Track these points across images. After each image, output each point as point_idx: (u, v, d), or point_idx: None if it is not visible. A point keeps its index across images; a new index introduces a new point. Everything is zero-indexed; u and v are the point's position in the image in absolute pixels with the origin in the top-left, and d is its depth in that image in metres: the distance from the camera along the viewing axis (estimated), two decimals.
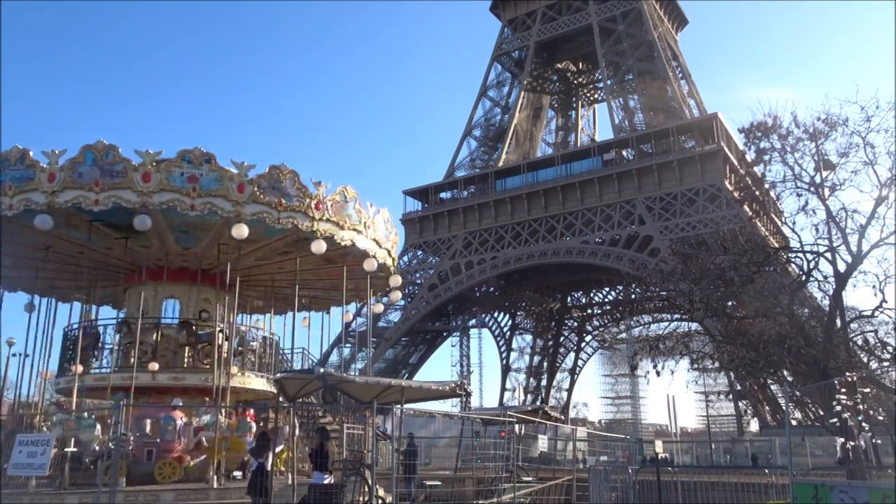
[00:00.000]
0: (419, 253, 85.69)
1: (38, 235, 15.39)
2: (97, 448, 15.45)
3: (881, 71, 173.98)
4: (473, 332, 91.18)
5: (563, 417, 43.94)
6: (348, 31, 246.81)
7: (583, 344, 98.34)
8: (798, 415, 47.12)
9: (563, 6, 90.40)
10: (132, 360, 17.00)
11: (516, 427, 19.87)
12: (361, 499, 13.67)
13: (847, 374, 14.02)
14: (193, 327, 18.05)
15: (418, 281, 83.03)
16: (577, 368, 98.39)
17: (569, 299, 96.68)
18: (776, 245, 21.70)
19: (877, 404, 13.92)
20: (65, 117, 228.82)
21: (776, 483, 17.39)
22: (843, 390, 11.95)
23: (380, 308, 24.69)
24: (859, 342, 17.65)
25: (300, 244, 16.53)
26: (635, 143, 75.64)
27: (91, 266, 18.22)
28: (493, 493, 16.78)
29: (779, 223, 22.19)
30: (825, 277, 17.65)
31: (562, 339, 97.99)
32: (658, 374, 20.23)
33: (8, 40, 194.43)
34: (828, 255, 17.06)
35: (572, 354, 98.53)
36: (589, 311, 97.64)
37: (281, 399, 16.16)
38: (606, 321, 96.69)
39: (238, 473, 16.21)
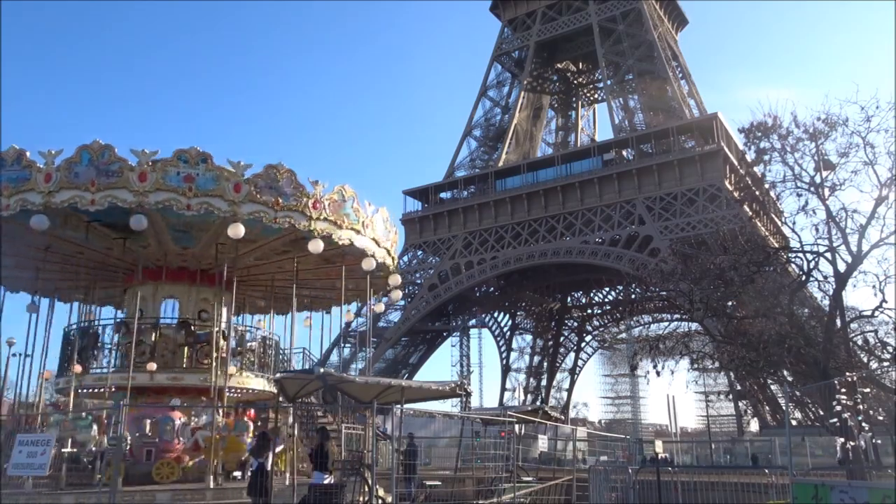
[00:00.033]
0: (419, 253, 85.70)
1: (37, 236, 15.38)
2: (93, 448, 15.45)
3: (881, 71, 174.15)
4: (473, 332, 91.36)
5: (563, 417, 43.94)
6: (348, 31, 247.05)
7: (583, 344, 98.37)
8: (798, 415, 47.12)
9: (563, 6, 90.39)
10: (131, 360, 17.00)
11: (516, 427, 19.87)
12: (361, 499, 13.67)
13: (847, 374, 14.00)
14: (192, 327, 18.06)
15: (418, 281, 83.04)
16: (577, 368, 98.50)
17: (569, 299, 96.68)
18: (776, 245, 21.68)
19: (877, 404, 13.91)
20: (65, 117, 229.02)
21: (776, 483, 17.37)
22: (843, 390, 11.93)
23: (381, 307, 24.65)
24: (859, 342, 17.63)
25: (298, 243, 16.51)
26: (635, 143, 75.63)
27: (91, 266, 18.24)
28: (493, 493, 16.78)
29: (779, 223, 22.18)
30: (825, 277, 17.64)
31: (562, 339, 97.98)
32: (658, 374, 20.22)
33: (8, 40, 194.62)
34: (828, 255, 17.05)
35: (572, 354, 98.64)
36: (589, 311, 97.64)
37: (281, 399, 16.16)
38: (606, 321, 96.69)
39: (238, 473, 16.21)
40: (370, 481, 13.22)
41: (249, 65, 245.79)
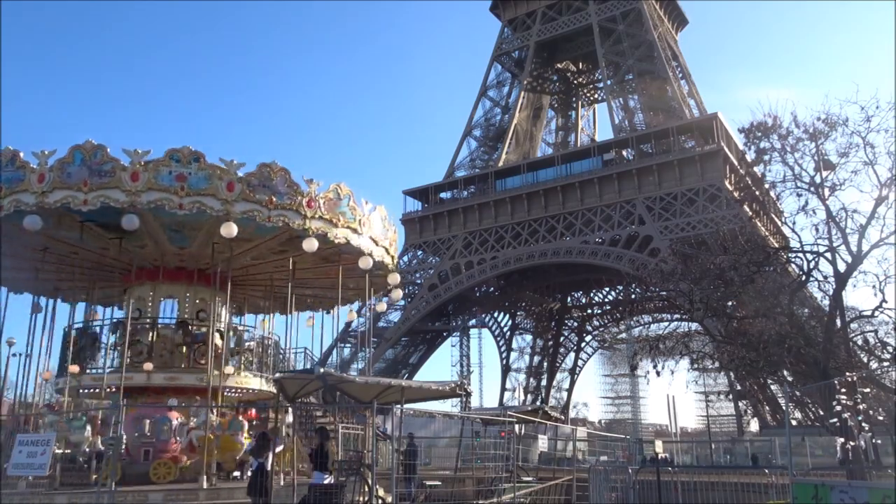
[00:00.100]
0: (419, 253, 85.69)
1: (34, 236, 15.37)
2: (87, 449, 15.42)
3: (881, 71, 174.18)
4: (473, 332, 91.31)
5: (563, 417, 43.93)
6: (348, 31, 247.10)
7: (583, 344, 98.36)
8: (798, 415, 47.12)
9: (563, 6, 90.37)
10: (128, 360, 17.00)
11: (516, 427, 19.85)
12: (361, 499, 13.65)
13: (847, 374, 13.99)
14: (189, 327, 18.03)
15: (418, 281, 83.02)
16: (577, 368, 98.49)
17: (569, 299, 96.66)
18: (776, 245, 21.67)
19: (877, 404, 13.88)
20: (65, 117, 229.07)
21: (776, 483, 17.36)
22: (843, 390, 11.92)
23: (383, 307, 24.60)
24: (859, 342, 17.62)
25: (294, 242, 16.44)
26: (635, 143, 75.61)
27: (89, 267, 18.22)
28: (493, 493, 16.76)
29: (779, 223, 22.17)
30: (825, 277, 17.62)
31: (562, 339, 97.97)
32: (658, 374, 20.21)
33: (8, 40, 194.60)
34: (828, 255, 17.03)
35: (572, 354, 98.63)
36: (589, 311, 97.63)
37: (281, 399, 16.14)
38: (606, 321, 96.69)
39: (237, 473, 16.19)
40: (370, 481, 13.21)
41: (249, 65, 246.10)
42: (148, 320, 18.18)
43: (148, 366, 16.83)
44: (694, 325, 22.36)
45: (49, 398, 22.37)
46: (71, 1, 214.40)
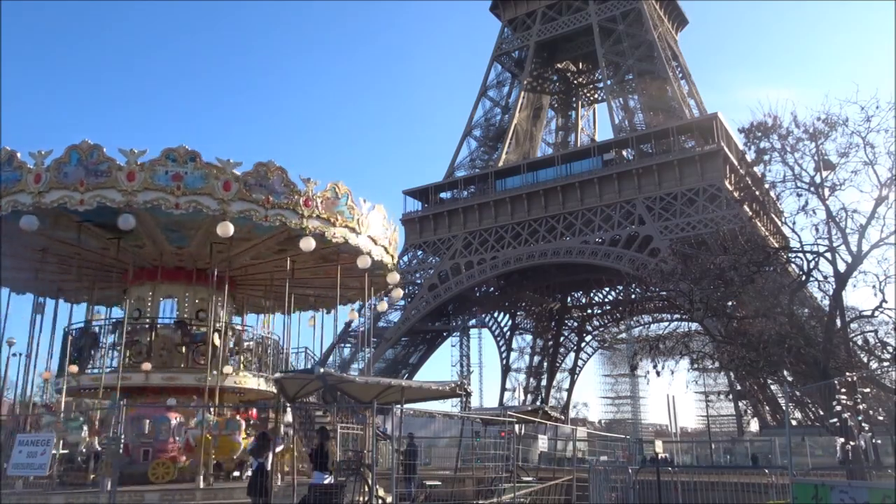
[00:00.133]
0: (419, 253, 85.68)
1: (32, 237, 15.36)
2: (84, 450, 15.41)
3: (881, 71, 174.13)
4: (473, 332, 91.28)
5: (563, 417, 43.92)
6: (348, 31, 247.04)
7: (583, 344, 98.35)
8: (798, 415, 47.09)
9: (563, 6, 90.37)
10: (127, 360, 16.98)
11: (516, 427, 19.84)
12: (361, 499, 13.65)
13: (847, 374, 13.97)
14: (188, 327, 18.02)
15: (418, 281, 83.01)
16: (577, 368, 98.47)
17: (569, 299, 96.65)
18: (776, 245, 21.65)
19: (877, 404, 13.86)
20: (65, 117, 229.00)
21: (776, 483, 17.34)
22: (843, 390, 11.90)
23: (383, 306, 24.58)
24: (859, 342, 17.60)
25: (293, 242, 16.40)
26: (635, 143, 75.61)
27: (87, 267, 18.22)
28: (493, 493, 16.75)
29: (779, 223, 22.15)
30: (825, 277, 17.60)
31: (562, 339, 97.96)
32: (658, 374, 20.19)
33: (8, 40, 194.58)
34: (828, 255, 17.01)
35: (572, 354, 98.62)
36: (589, 311, 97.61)
37: (282, 398, 16.13)
38: (606, 321, 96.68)
39: (237, 473, 16.17)
40: (370, 481, 13.20)
41: (249, 65, 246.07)
42: (147, 320, 18.16)
43: (146, 366, 16.83)
44: (694, 325, 22.34)
45: (49, 398, 22.37)
46: (71, 1, 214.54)
